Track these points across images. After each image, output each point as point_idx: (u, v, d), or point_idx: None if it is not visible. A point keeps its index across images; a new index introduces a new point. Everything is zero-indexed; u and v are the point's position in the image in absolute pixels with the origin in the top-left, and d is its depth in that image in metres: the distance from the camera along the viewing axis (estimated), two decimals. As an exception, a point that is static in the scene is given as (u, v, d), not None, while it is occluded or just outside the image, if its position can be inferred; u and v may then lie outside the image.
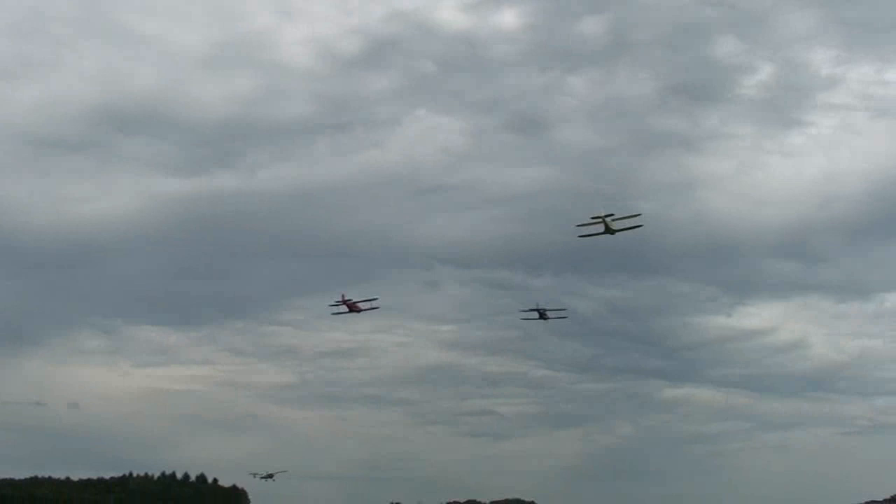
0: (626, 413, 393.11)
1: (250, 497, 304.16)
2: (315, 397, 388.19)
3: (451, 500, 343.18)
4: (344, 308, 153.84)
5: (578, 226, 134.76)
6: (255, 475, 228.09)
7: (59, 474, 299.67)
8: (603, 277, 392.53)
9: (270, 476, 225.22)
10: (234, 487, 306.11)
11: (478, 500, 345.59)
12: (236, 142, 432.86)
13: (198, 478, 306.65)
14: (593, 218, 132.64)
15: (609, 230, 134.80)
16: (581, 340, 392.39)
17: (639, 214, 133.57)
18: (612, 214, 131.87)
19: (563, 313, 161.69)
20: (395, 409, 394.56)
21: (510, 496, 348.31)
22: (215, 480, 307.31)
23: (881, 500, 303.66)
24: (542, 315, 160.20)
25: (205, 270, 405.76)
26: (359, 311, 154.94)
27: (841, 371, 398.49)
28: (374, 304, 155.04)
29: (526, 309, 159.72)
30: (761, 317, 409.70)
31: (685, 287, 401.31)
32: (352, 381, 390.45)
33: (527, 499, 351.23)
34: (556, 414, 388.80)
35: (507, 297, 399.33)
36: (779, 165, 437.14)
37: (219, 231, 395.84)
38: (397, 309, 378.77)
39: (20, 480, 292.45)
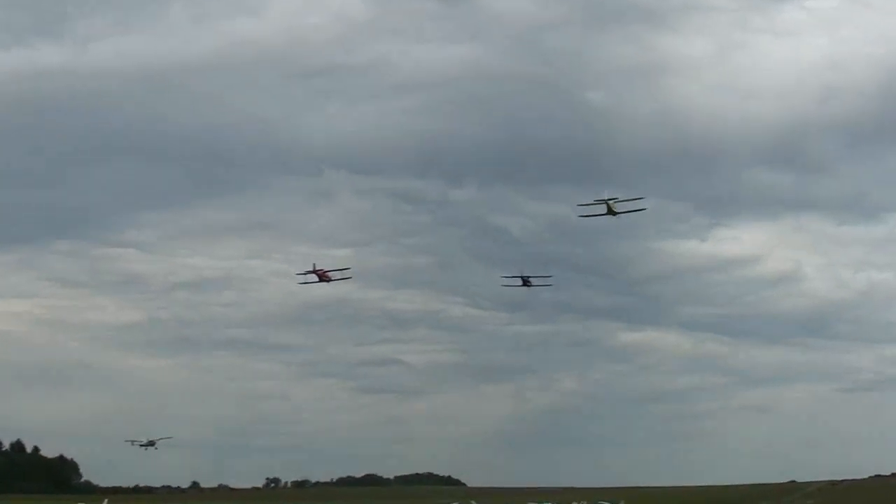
0: (571, 363, 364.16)
1: (82, 470, 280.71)
2: (169, 341, 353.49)
3: (345, 476, 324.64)
4: (314, 277, 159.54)
5: (580, 205, 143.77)
6: (132, 442, 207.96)
7: None
8: (542, 189, 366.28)
9: (152, 443, 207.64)
10: (62, 458, 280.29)
11: (379, 474, 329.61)
12: (63, 4, 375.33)
13: (13, 446, 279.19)
14: (596, 200, 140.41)
15: (611, 212, 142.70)
16: (514, 269, 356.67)
17: (642, 198, 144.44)
18: (615, 198, 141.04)
19: (548, 280, 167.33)
20: (273, 356, 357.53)
21: (420, 470, 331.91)
22: (36, 449, 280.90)
23: (889, 474, 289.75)
24: (526, 282, 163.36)
25: (22, 174, 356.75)
26: (329, 280, 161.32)
27: (842, 311, 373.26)
28: (346, 273, 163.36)
29: (508, 276, 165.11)
30: (743, 241, 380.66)
31: (648, 202, 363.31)
32: (217, 321, 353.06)
33: (441, 473, 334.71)
34: (481, 364, 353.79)
35: (419, 213, 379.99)
36: (769, 47, 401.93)
37: (41, 122, 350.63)
38: (277, 227, 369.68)
39: None
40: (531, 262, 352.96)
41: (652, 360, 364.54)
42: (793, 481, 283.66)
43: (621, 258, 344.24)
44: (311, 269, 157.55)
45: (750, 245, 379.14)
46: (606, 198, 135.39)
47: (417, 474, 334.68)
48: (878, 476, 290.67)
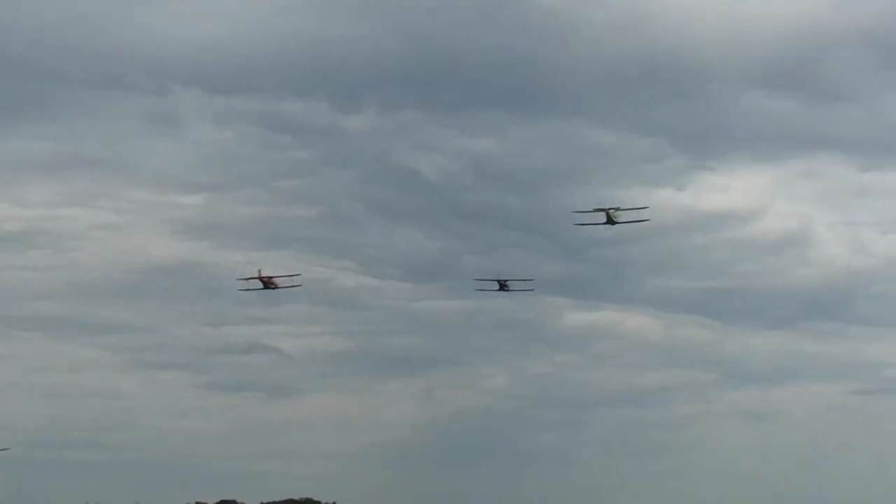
0: (501, 353, 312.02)
1: None
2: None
3: (194, 502, 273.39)
4: (258, 284, 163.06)
5: (576, 212, 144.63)
6: None
7: None
8: (467, 116, 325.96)
9: None
10: None
11: (239, 500, 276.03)
12: None
13: None
14: (595, 209, 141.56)
15: (611, 221, 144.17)
16: (425, 225, 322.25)
17: (646, 208, 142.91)
18: (617, 207, 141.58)
19: (529, 285, 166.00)
20: (98, 339, 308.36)
21: (295, 495, 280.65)
22: None
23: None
24: (504, 286, 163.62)
25: None
26: (275, 287, 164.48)
27: (863, 286, 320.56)
28: (294, 280, 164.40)
29: (482, 278, 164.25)
30: (734, 191, 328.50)
31: (608, 137, 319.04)
32: (19, 291, 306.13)
33: (324, 499, 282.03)
34: (380, 353, 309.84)
35: (298, 147, 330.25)
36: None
37: None
38: (104, 164, 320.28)
39: None
40: (448, 215, 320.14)
41: (611, 348, 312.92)
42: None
43: (570, 211, 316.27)
44: (255, 274, 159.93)
45: (743, 196, 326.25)
46: (607, 206, 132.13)
47: (292, 500, 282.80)
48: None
